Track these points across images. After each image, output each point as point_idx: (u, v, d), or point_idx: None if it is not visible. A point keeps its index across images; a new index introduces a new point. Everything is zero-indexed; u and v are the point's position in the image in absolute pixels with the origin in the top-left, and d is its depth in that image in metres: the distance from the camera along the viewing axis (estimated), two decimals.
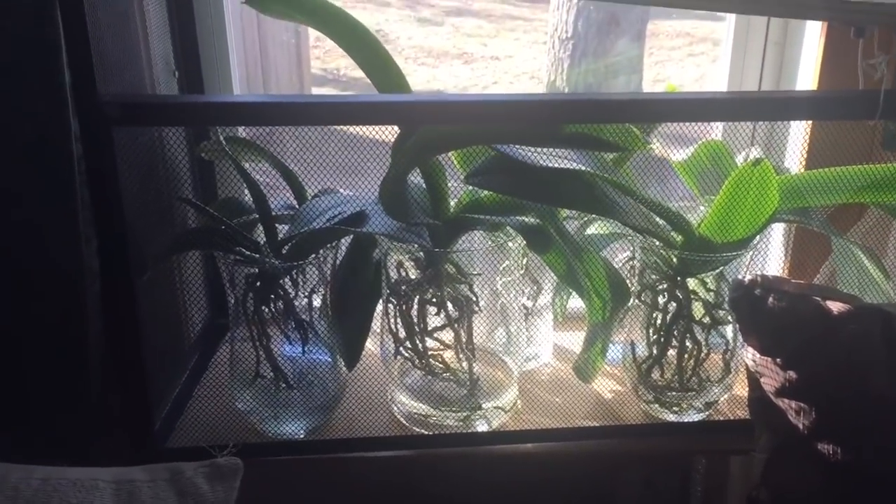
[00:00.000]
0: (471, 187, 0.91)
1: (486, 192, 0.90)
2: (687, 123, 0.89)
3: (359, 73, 0.87)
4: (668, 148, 0.96)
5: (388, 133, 0.86)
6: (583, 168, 0.84)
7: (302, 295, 0.93)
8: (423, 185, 0.91)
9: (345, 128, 0.90)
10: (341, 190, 0.97)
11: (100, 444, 0.91)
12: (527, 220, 0.90)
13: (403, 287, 0.92)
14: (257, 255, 0.88)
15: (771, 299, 0.79)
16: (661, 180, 0.96)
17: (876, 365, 0.76)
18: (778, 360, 0.80)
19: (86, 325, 0.87)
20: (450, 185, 0.92)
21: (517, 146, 0.83)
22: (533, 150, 0.84)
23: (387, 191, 0.86)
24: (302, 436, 0.95)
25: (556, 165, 0.83)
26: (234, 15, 1.07)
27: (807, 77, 0.99)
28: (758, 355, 0.82)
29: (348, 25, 0.85)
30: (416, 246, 0.89)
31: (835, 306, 0.78)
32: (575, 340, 1.03)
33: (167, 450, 0.91)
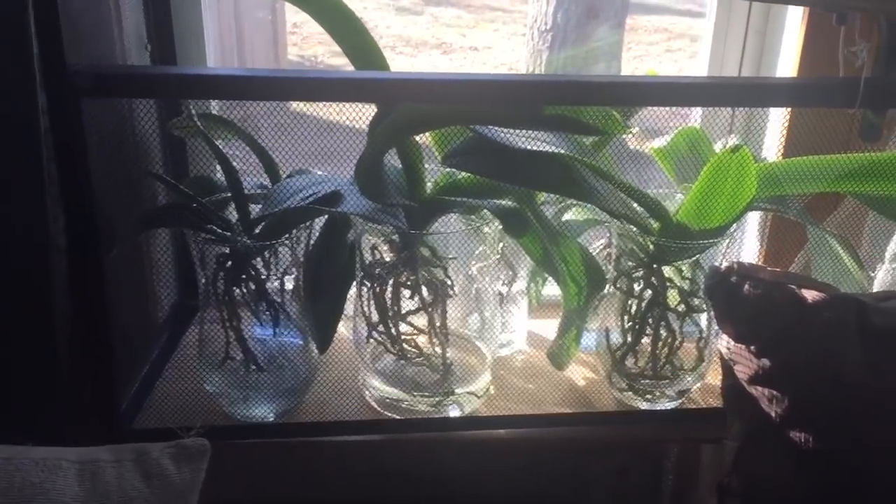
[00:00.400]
0: (448, 170, 0.90)
1: (463, 174, 0.89)
2: (664, 116, 0.89)
3: (337, 62, 0.86)
4: (645, 141, 0.95)
5: (363, 120, 0.85)
6: (561, 151, 0.83)
7: (274, 276, 0.91)
8: (400, 167, 0.90)
9: (320, 113, 0.89)
10: (315, 170, 0.95)
11: (68, 425, 0.89)
12: (504, 203, 0.89)
13: (378, 270, 0.91)
14: (229, 234, 0.86)
15: (746, 287, 0.79)
16: (638, 170, 0.95)
17: (850, 353, 0.76)
18: (752, 347, 0.80)
19: (52, 303, 0.85)
20: (426, 167, 0.91)
21: (496, 128, 0.82)
22: (511, 132, 0.83)
23: (363, 171, 0.84)
24: (272, 419, 0.93)
25: (535, 148, 0.82)
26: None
27: (787, 66, 0.99)
28: (732, 343, 0.82)
29: (330, 5, 0.83)
30: (391, 228, 0.88)
31: (810, 294, 0.78)
32: (549, 328, 1.03)
33: (134, 430, 0.89)
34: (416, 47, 4.78)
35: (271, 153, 0.92)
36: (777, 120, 0.99)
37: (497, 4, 5.21)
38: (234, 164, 0.90)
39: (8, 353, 0.87)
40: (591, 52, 3.44)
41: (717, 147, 0.95)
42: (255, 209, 0.90)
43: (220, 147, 0.91)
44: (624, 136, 0.86)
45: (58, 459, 0.70)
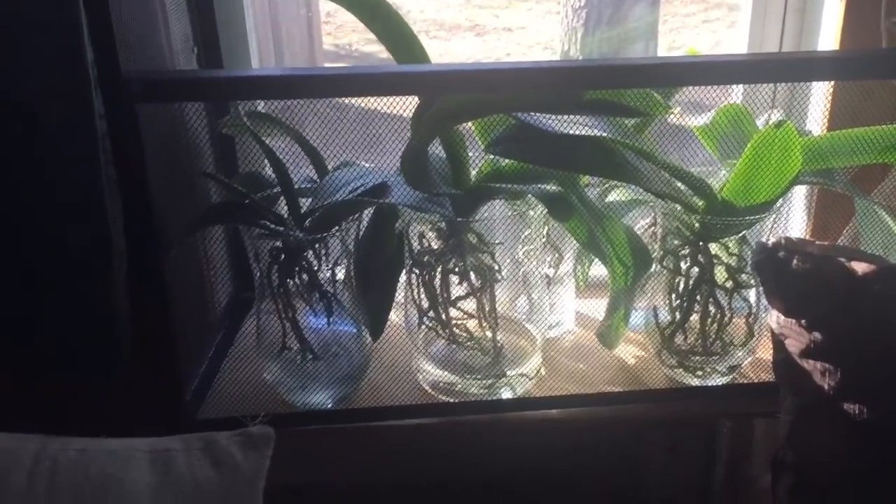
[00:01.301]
0: (491, 157, 0.91)
1: (506, 161, 0.91)
2: (706, 91, 0.89)
3: (370, 48, 0.88)
4: (687, 116, 0.95)
5: (406, 108, 0.86)
6: (603, 135, 0.84)
7: (326, 267, 0.94)
8: (444, 156, 0.91)
9: (362, 103, 0.90)
10: (362, 163, 0.97)
11: (135, 418, 0.92)
12: (548, 187, 0.90)
13: (426, 257, 0.93)
14: (281, 228, 0.89)
15: (795, 261, 0.79)
16: (680, 147, 0.95)
17: None
18: (803, 321, 0.80)
19: (115, 303, 0.88)
20: (470, 155, 0.92)
21: (537, 114, 0.83)
22: (553, 117, 0.84)
23: (408, 161, 0.86)
24: (330, 405, 0.96)
25: (577, 132, 0.83)
26: None
27: (828, 39, 0.98)
28: (782, 317, 0.82)
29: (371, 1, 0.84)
30: (437, 216, 0.90)
31: (859, 266, 0.78)
32: (597, 308, 1.04)
33: (199, 421, 0.92)
34: (449, 30, 4.77)
35: (318, 146, 0.94)
36: (820, 93, 0.98)
37: None
38: (284, 158, 0.92)
39: (76, 352, 0.90)
40: (627, 29, 3.41)
41: (760, 123, 0.95)
42: (304, 203, 0.93)
43: (269, 142, 0.93)
44: (666, 115, 0.87)
45: (130, 450, 0.73)
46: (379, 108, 0.90)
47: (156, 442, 0.75)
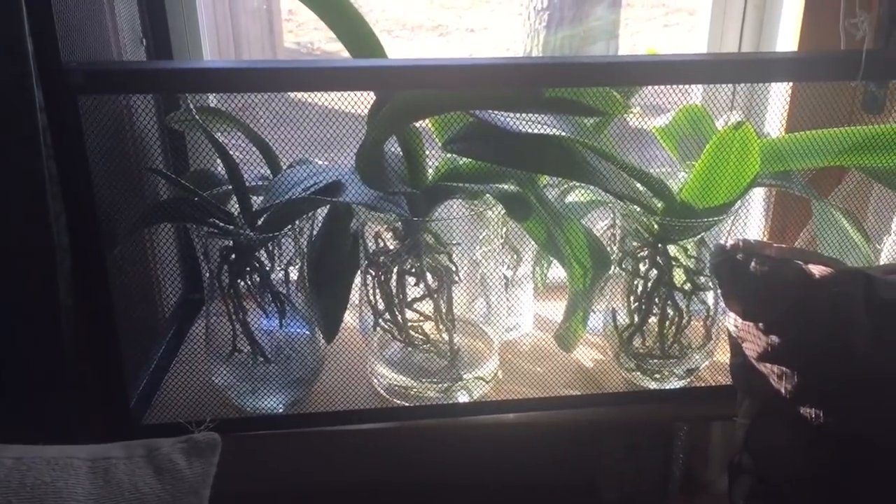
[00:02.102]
0: (449, 155, 0.89)
1: (464, 159, 0.89)
2: (665, 93, 0.88)
3: (333, 47, 0.86)
4: (646, 118, 0.95)
5: (363, 106, 0.84)
6: (562, 134, 0.82)
7: (278, 267, 0.91)
8: (401, 154, 0.89)
9: (319, 101, 0.88)
10: (317, 160, 0.95)
11: (78, 423, 0.89)
12: (506, 187, 0.88)
13: (382, 258, 0.91)
14: (231, 227, 0.86)
15: (753, 264, 0.79)
16: (640, 149, 0.95)
17: (858, 327, 0.76)
18: (760, 324, 0.79)
19: (58, 301, 0.85)
20: (427, 153, 0.90)
21: (496, 112, 0.81)
22: (512, 115, 0.82)
23: (363, 159, 0.84)
24: (281, 410, 0.93)
25: (536, 131, 0.81)
26: None
27: (787, 39, 0.98)
28: (740, 320, 0.81)
29: None
30: (393, 216, 0.88)
31: (817, 270, 0.78)
32: (556, 310, 1.02)
33: (144, 426, 0.90)
34: (412, 30, 4.75)
35: (271, 143, 0.91)
36: (779, 94, 0.98)
37: None
38: (235, 155, 0.90)
39: (16, 353, 0.87)
40: (588, 31, 3.42)
41: (720, 124, 0.95)
42: (257, 201, 0.90)
43: (220, 139, 0.90)
44: (625, 115, 0.86)
45: (69, 458, 0.70)
46: (338, 106, 0.88)
47: (96, 449, 0.71)
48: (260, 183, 0.94)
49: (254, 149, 0.93)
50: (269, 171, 0.94)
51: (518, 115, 0.82)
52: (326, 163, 0.93)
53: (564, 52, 3.45)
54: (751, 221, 1.08)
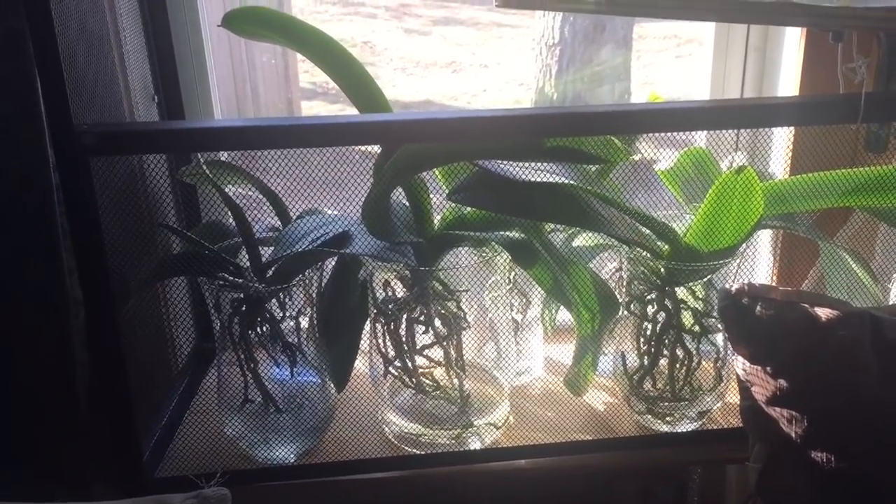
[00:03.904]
0: (455, 203, 0.90)
1: (469, 208, 0.90)
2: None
3: None
4: (655, 150, 0.95)
5: (372, 150, 0.86)
6: (566, 181, 0.83)
7: (289, 316, 0.92)
8: (407, 204, 0.90)
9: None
10: (325, 210, 0.96)
11: (92, 476, 0.90)
12: (512, 234, 0.89)
13: (390, 306, 0.92)
14: (241, 280, 0.87)
15: (759, 308, 0.79)
16: (647, 186, 0.95)
17: (866, 370, 0.76)
18: (768, 368, 0.79)
19: (72, 356, 0.86)
20: (434, 200, 0.91)
21: (500, 161, 0.82)
22: (516, 164, 0.83)
23: (369, 210, 0.85)
24: (293, 460, 0.94)
25: (540, 179, 0.82)
26: (220, 34, 1.06)
27: (789, 80, 0.99)
28: (748, 364, 0.81)
29: (324, 44, 0.84)
30: (401, 265, 0.89)
31: (823, 312, 0.78)
32: (566, 352, 1.02)
33: (157, 480, 0.90)
34: (426, 68, 4.80)
35: (282, 186, 0.93)
36: (782, 135, 0.98)
37: (505, 21, 5.22)
38: (246, 205, 0.91)
39: (30, 406, 0.88)
40: (600, 67, 3.44)
41: (724, 165, 0.95)
42: (268, 251, 0.91)
43: (232, 190, 0.92)
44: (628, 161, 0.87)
45: None
46: (346, 148, 0.89)
47: None
48: (270, 234, 0.95)
49: (264, 199, 0.94)
50: (279, 222, 0.95)
51: (522, 163, 0.83)
52: (335, 211, 0.95)
53: (576, 89, 3.48)
54: (758, 263, 1.08)
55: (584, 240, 0.98)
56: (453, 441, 0.95)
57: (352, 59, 0.85)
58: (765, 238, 1.07)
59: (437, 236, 0.91)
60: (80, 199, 0.77)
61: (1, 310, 0.85)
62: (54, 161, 0.78)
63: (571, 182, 0.83)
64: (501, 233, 0.89)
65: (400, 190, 0.90)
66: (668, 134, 0.89)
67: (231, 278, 0.87)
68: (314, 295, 0.93)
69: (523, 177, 0.82)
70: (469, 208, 0.90)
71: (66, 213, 0.79)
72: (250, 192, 0.96)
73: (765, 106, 0.83)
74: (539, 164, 0.84)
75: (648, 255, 0.90)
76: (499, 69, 4.72)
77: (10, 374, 0.87)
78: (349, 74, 0.85)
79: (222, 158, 0.98)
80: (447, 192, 0.89)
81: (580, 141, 0.82)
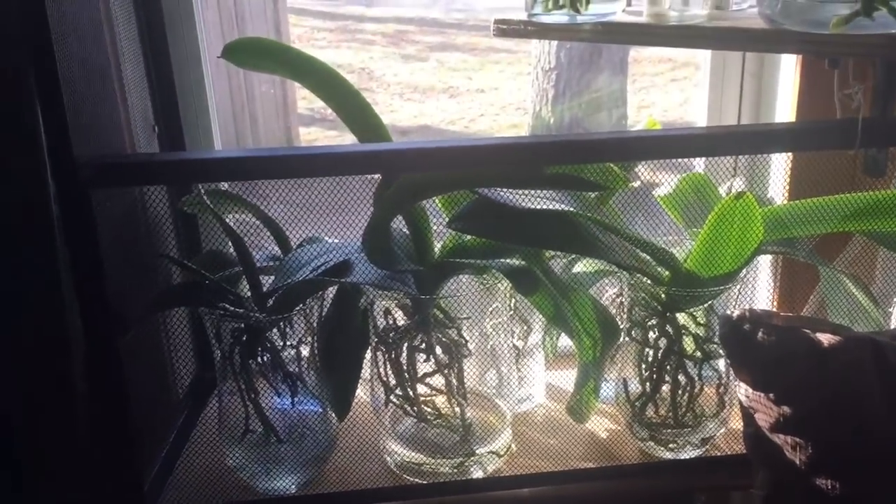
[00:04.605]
0: (455, 231, 0.90)
1: (470, 235, 0.90)
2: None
3: None
4: (653, 174, 0.96)
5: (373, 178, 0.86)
6: (565, 208, 0.83)
7: (290, 345, 0.92)
8: (407, 232, 0.91)
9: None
10: (326, 238, 0.96)
11: None
12: (512, 262, 0.89)
13: (391, 334, 0.92)
14: (241, 310, 0.87)
15: (760, 334, 0.79)
16: (647, 211, 0.96)
17: (869, 395, 0.76)
18: (771, 395, 0.79)
19: (72, 387, 0.85)
20: (436, 227, 0.91)
21: (499, 189, 0.83)
22: (515, 192, 0.84)
23: (369, 239, 0.85)
24: (294, 490, 0.93)
25: (539, 206, 0.83)
26: (219, 63, 1.07)
27: (785, 106, 1.00)
28: (750, 391, 0.81)
29: (323, 74, 0.85)
30: (401, 293, 0.89)
31: (825, 338, 0.78)
32: (568, 379, 1.02)
33: None
34: (423, 93, 4.83)
35: (283, 212, 0.93)
36: (780, 160, 0.99)
37: (501, 46, 5.27)
38: (247, 233, 0.91)
39: (31, 438, 0.88)
40: (596, 91, 3.46)
41: (723, 190, 0.96)
42: (268, 279, 0.91)
43: (233, 218, 0.92)
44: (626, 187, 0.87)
45: None
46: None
47: None
48: (271, 263, 0.95)
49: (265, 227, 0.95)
50: (279, 250, 0.95)
51: (521, 191, 0.84)
52: (336, 239, 0.95)
53: (573, 112, 3.50)
54: (759, 288, 1.08)
55: (583, 266, 0.98)
56: (455, 470, 0.95)
57: (351, 89, 0.85)
58: (765, 263, 1.07)
59: (438, 264, 0.91)
60: (81, 231, 0.77)
61: (1, 342, 0.85)
62: (55, 193, 0.78)
63: (571, 209, 0.84)
64: (502, 260, 0.89)
65: (400, 218, 0.90)
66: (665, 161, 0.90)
67: (231, 308, 0.87)
68: (315, 324, 0.93)
69: (523, 204, 0.83)
70: (469, 236, 0.90)
71: (67, 245, 0.79)
72: (251, 220, 0.96)
73: (761, 132, 0.83)
74: (539, 191, 0.85)
75: (649, 280, 0.90)
76: (495, 94, 4.75)
77: (9, 404, 0.87)
78: (349, 104, 0.85)
79: (223, 187, 0.99)
80: (447, 219, 0.89)
81: (579, 168, 0.83)
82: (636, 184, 0.85)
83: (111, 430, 0.85)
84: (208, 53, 1.05)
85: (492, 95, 4.74)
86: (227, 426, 0.94)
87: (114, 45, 0.89)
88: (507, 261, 0.90)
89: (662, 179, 0.96)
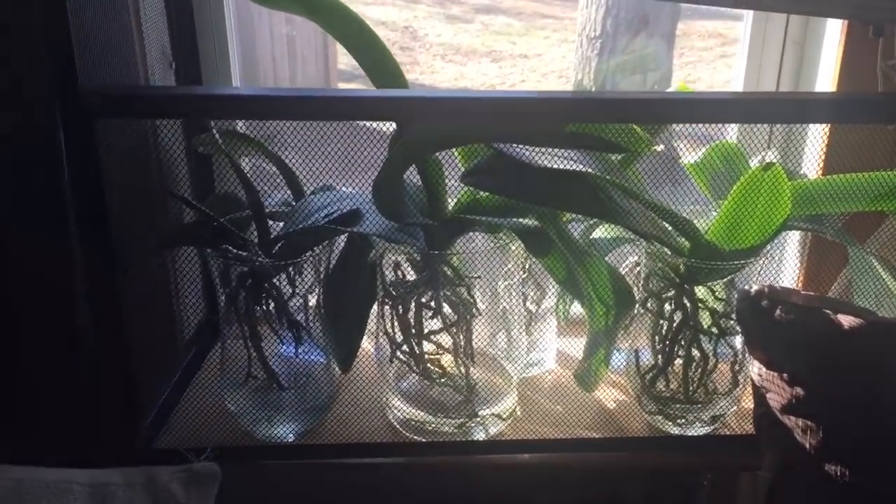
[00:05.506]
0: (468, 186, 0.88)
1: (484, 192, 0.87)
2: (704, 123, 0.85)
3: None
4: (684, 147, 0.92)
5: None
6: (586, 169, 0.80)
7: (298, 293, 0.90)
8: (420, 184, 0.88)
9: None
10: (341, 187, 0.94)
11: (90, 443, 0.89)
12: (526, 222, 0.86)
13: (399, 289, 0.90)
14: (246, 254, 0.85)
15: (778, 311, 0.75)
16: (674, 181, 0.92)
17: (888, 383, 0.72)
18: (785, 375, 0.76)
19: (74, 320, 0.85)
20: (451, 183, 0.89)
21: (517, 145, 0.80)
22: (536, 149, 0.81)
23: (380, 189, 0.83)
24: (292, 439, 0.92)
25: (559, 166, 0.79)
26: (259, 11, 1.04)
27: (826, 77, 0.95)
28: (764, 369, 0.78)
29: (346, 18, 0.82)
30: (411, 247, 0.86)
31: (846, 320, 0.74)
32: (580, 346, 0.99)
33: (154, 450, 0.89)
34: (466, 55, 4.77)
35: (299, 162, 0.90)
36: (817, 134, 0.94)
37: (548, 11, 5.17)
38: (262, 179, 0.89)
39: (32, 369, 0.88)
40: (640, 61, 3.39)
41: (754, 162, 0.92)
42: (279, 226, 0.90)
43: (248, 162, 0.90)
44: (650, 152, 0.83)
45: (69, 482, 0.70)
46: (366, 125, 0.87)
47: (96, 475, 0.72)
48: (283, 208, 0.93)
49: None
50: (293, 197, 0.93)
51: (540, 148, 0.80)
52: (351, 189, 0.93)
53: (615, 82, 3.43)
54: (785, 265, 1.04)
55: (603, 231, 0.95)
56: (457, 430, 0.93)
57: (373, 35, 0.82)
58: (793, 240, 1.03)
59: (450, 220, 0.88)
60: (84, 163, 0.76)
61: (2, 268, 0.84)
62: (62, 121, 0.77)
63: (592, 171, 0.80)
64: (516, 219, 0.87)
65: (413, 170, 0.88)
66: (701, 131, 0.86)
67: (235, 251, 0.85)
68: (323, 273, 0.91)
69: (542, 162, 0.80)
70: (484, 192, 0.87)
71: (70, 176, 0.78)
72: (268, 167, 0.94)
73: (799, 101, 0.79)
74: (559, 150, 0.82)
75: (668, 250, 0.87)
76: (538, 60, 4.68)
77: (11, 335, 0.87)
78: (366, 47, 0.82)
79: (240, 129, 0.97)
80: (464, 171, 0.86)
81: (601, 128, 0.79)
82: (660, 147, 0.82)
83: (110, 366, 0.85)
84: None
85: (535, 61, 4.66)
86: (230, 371, 0.93)
87: None
88: (521, 220, 0.87)
89: (688, 155, 0.93)
